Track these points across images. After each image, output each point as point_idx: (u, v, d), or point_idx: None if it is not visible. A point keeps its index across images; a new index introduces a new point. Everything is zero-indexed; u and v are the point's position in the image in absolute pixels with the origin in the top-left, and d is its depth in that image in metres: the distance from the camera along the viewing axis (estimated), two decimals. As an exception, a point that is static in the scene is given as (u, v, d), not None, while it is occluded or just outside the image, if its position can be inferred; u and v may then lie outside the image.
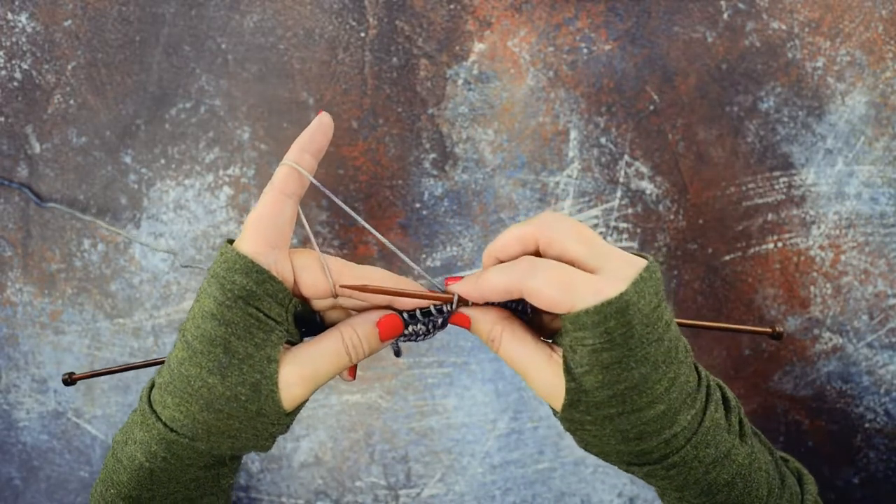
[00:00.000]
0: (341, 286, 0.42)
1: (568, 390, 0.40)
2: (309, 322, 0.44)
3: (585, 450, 0.44)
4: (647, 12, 0.66)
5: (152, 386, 0.42)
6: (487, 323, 0.43)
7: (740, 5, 0.66)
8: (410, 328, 0.43)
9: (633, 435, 0.40)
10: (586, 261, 0.40)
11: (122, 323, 0.69)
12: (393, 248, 0.43)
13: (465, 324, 0.43)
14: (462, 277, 0.43)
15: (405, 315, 0.43)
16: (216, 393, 0.39)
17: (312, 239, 0.42)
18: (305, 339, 0.43)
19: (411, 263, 0.44)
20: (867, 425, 0.71)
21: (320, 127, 0.43)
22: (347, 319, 0.43)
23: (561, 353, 0.41)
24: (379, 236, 0.43)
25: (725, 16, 0.66)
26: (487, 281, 0.41)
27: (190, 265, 0.67)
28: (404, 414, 0.70)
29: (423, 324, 0.43)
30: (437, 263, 0.69)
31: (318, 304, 0.44)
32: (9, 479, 0.71)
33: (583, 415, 0.40)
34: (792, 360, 0.70)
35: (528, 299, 0.40)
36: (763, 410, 0.71)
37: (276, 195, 0.41)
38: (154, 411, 0.41)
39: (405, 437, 0.70)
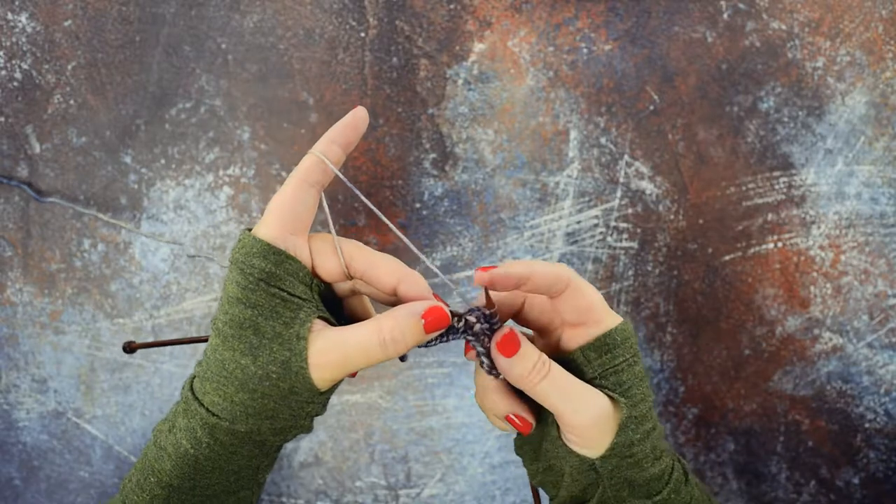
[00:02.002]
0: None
1: (621, 406, 0.41)
2: (338, 311, 0.44)
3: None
4: (647, 12, 0.66)
5: (193, 378, 0.42)
6: (535, 352, 0.41)
7: (740, 5, 0.66)
8: (450, 336, 0.42)
9: (658, 453, 0.42)
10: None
11: (122, 323, 0.69)
12: (413, 247, 0.43)
13: (514, 347, 0.41)
14: (494, 267, 0.42)
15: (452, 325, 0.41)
16: (249, 373, 0.39)
17: (331, 223, 0.42)
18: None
19: (431, 265, 0.44)
20: (867, 425, 0.71)
21: (354, 121, 0.42)
22: (389, 311, 0.41)
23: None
24: (398, 232, 0.43)
25: (725, 16, 0.66)
26: (541, 264, 0.41)
27: (197, 255, 0.67)
28: (404, 414, 0.70)
29: (459, 336, 0.42)
30: (437, 263, 0.69)
31: (338, 291, 0.44)
32: (9, 479, 0.71)
33: (632, 434, 0.41)
34: (792, 360, 0.70)
35: (567, 297, 0.41)
36: (763, 410, 0.71)
37: (298, 183, 0.41)
38: (197, 398, 0.41)
39: (405, 437, 0.70)
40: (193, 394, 0.41)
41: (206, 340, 0.46)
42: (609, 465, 0.42)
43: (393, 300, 0.43)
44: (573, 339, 0.42)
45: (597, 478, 0.43)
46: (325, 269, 0.42)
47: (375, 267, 0.42)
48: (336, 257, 0.42)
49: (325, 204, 0.43)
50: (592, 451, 0.42)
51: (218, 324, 0.40)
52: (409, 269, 0.42)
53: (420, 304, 0.41)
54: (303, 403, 0.41)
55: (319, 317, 0.41)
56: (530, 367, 0.41)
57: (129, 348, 0.48)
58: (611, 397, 0.41)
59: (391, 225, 0.43)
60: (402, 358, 0.43)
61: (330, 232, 0.42)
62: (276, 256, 0.39)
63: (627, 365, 0.41)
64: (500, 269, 0.40)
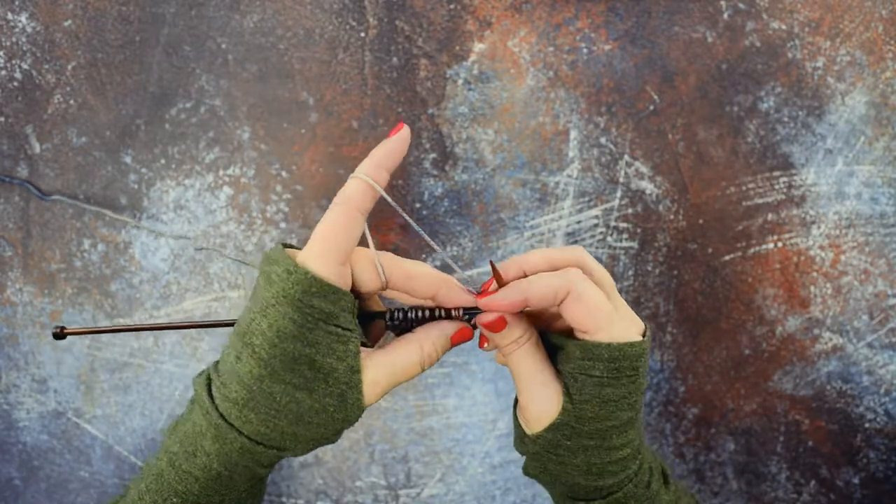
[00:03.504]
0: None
1: (563, 411, 0.42)
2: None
3: (530, 475, 0.46)
4: (647, 12, 0.66)
5: (209, 388, 0.41)
6: (521, 326, 0.44)
7: (740, 5, 0.66)
8: None
9: (596, 471, 0.43)
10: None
11: (122, 323, 0.69)
12: (447, 257, 0.43)
13: (501, 325, 0.43)
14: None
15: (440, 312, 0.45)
16: (305, 406, 0.40)
17: (371, 243, 0.42)
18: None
19: (458, 270, 0.44)
20: (867, 425, 0.71)
21: (400, 142, 0.42)
22: (425, 332, 0.44)
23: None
24: (434, 245, 0.43)
25: (725, 16, 0.66)
26: (539, 280, 0.42)
27: (206, 247, 0.67)
28: (404, 414, 0.70)
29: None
30: (437, 263, 0.69)
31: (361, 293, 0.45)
32: (9, 479, 0.71)
33: (563, 439, 0.43)
34: (792, 360, 0.70)
35: (566, 306, 0.41)
36: (763, 410, 0.71)
37: (351, 212, 0.40)
38: (232, 425, 0.40)
39: (405, 437, 0.70)
40: (226, 420, 0.40)
41: (151, 329, 0.45)
42: (531, 447, 0.44)
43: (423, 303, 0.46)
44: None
45: (523, 447, 0.46)
46: (364, 283, 0.43)
47: (413, 279, 0.43)
48: (374, 272, 0.42)
49: (367, 233, 0.43)
50: (527, 426, 0.45)
51: (261, 353, 0.39)
52: (444, 277, 0.44)
53: (451, 325, 0.44)
54: (346, 425, 0.42)
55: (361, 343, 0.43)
56: (508, 342, 0.44)
57: (61, 334, 0.44)
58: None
59: (432, 242, 0.43)
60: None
61: (369, 246, 0.43)
62: (335, 295, 0.39)
63: (598, 384, 0.41)
64: (501, 299, 0.42)
